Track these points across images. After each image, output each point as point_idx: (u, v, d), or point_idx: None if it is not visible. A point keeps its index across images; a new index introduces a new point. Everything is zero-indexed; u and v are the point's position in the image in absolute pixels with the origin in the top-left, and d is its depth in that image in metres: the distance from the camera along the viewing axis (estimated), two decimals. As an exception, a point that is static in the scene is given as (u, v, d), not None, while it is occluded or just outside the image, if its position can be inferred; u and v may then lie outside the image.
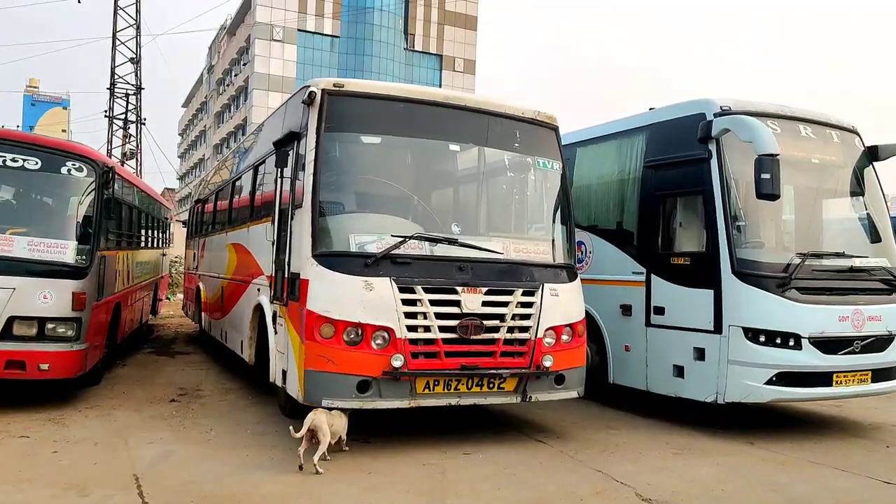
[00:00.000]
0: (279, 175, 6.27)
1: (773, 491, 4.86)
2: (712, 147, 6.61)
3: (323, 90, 5.65)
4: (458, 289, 5.59)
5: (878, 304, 6.69)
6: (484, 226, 6.33)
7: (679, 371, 6.79)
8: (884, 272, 6.92)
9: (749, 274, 6.30)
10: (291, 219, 5.92)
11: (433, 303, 5.50)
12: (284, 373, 6.00)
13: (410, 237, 5.58)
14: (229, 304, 8.90)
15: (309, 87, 5.74)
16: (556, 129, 6.63)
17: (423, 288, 5.48)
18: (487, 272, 5.79)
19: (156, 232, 13.69)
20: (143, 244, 11.61)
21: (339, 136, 5.74)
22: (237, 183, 9.27)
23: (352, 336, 5.34)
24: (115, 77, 26.58)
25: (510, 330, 5.78)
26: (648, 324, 7.14)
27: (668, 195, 7.15)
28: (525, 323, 5.85)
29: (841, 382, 6.46)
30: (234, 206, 9.34)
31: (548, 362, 5.88)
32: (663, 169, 7.20)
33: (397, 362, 5.34)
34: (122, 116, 26.95)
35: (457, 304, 5.57)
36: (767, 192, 5.89)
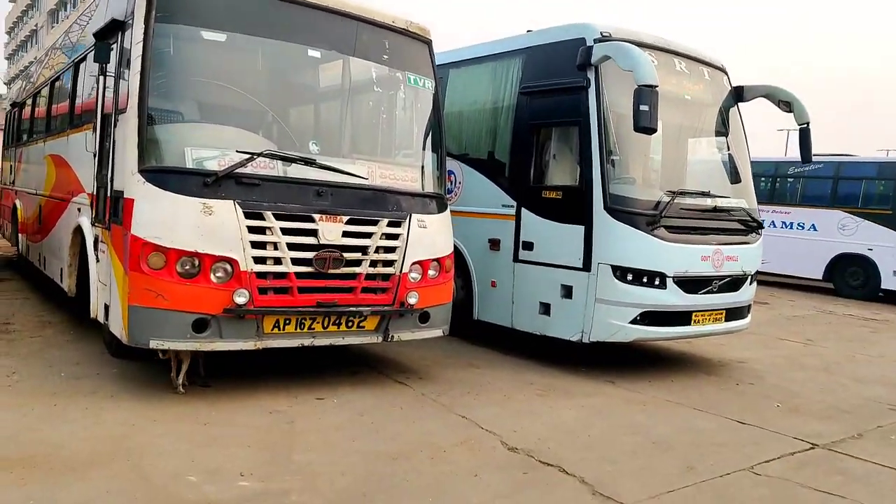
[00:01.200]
0: (101, 74, 5.21)
1: (636, 433, 4.78)
2: (591, 75, 6.27)
3: (154, -33, 4.63)
4: (315, 216, 4.94)
5: (735, 245, 6.80)
6: (347, 146, 5.65)
7: (545, 309, 6.60)
8: (742, 213, 7.02)
9: (621, 210, 6.12)
10: (115, 126, 4.94)
11: (285, 231, 4.82)
12: (107, 308, 5.13)
13: (260, 154, 4.80)
14: (48, 225, 7.66)
15: (136, -37, 4.69)
16: (429, 44, 5.99)
17: (273, 214, 4.78)
18: (349, 199, 5.17)
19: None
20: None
21: (174, 28, 4.77)
22: (56, 83, 7.87)
23: (186, 267, 4.56)
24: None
25: (373, 264, 5.24)
26: (516, 259, 6.87)
27: (543, 125, 6.80)
28: (390, 256, 5.33)
29: (699, 321, 6.55)
30: (53, 112, 7.96)
31: (412, 299, 5.42)
32: (539, 96, 6.81)
33: (241, 298, 4.66)
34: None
35: (313, 233, 4.93)
36: (645, 125, 5.64)
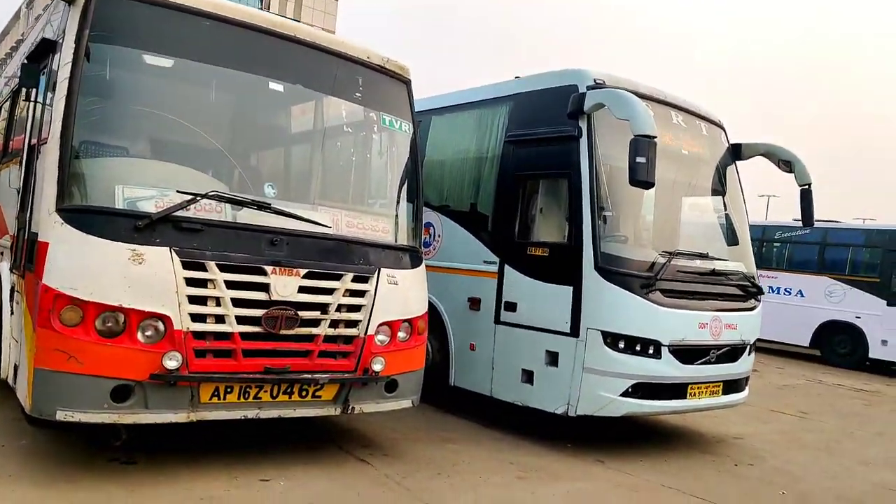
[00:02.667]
0: (27, 100, 4.58)
1: (633, 532, 4.08)
2: (583, 124, 5.78)
3: (92, -19, 4.06)
4: (268, 268, 4.28)
5: (735, 312, 6.23)
6: (309, 191, 5.03)
7: (528, 377, 5.93)
8: (741, 277, 6.49)
9: (613, 271, 5.54)
10: (37, 159, 4.29)
11: (231, 285, 4.15)
12: (17, 368, 4.37)
13: (204, 195, 4.16)
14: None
15: (73, -24, 4.13)
16: (408, 84, 5.45)
17: (217, 265, 4.11)
18: (308, 250, 4.52)
19: None
20: None
21: (112, 49, 4.17)
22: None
23: (109, 324, 3.86)
24: None
25: (334, 324, 4.57)
26: (498, 321, 6.23)
27: (530, 176, 6.26)
28: (353, 316, 4.67)
29: (695, 394, 5.92)
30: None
31: (378, 366, 4.74)
32: (526, 146, 6.30)
33: (172, 362, 3.94)
34: None
35: (264, 288, 4.27)
36: (642, 178, 5.12)
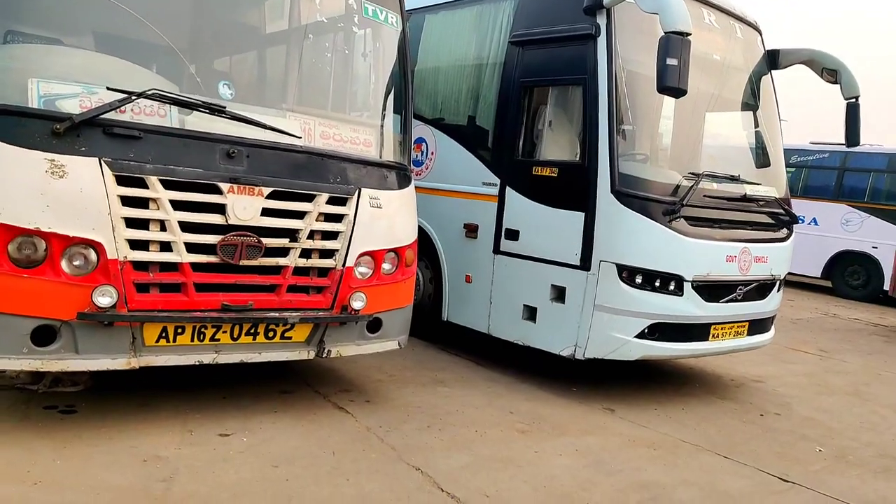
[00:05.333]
0: None
1: (653, 500, 3.50)
2: (601, 20, 4.91)
3: None
4: (223, 186, 3.55)
5: (765, 243, 5.54)
6: (275, 93, 4.25)
7: (531, 313, 5.29)
8: (774, 204, 5.76)
9: (632, 195, 4.80)
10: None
11: (178, 205, 3.43)
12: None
13: (142, 94, 3.37)
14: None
15: None
16: (395, -33, 4.56)
17: (160, 180, 3.37)
18: (274, 165, 3.76)
19: None
20: None
21: None
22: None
23: (25, 252, 3.16)
24: None
25: (305, 254, 3.87)
26: (497, 250, 5.53)
27: (537, 84, 5.43)
28: (329, 244, 3.96)
29: (718, 336, 5.29)
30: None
31: (358, 303, 4.07)
32: (533, 47, 5.43)
33: (105, 299, 3.26)
34: None
35: (220, 209, 3.55)
36: (672, 84, 4.31)
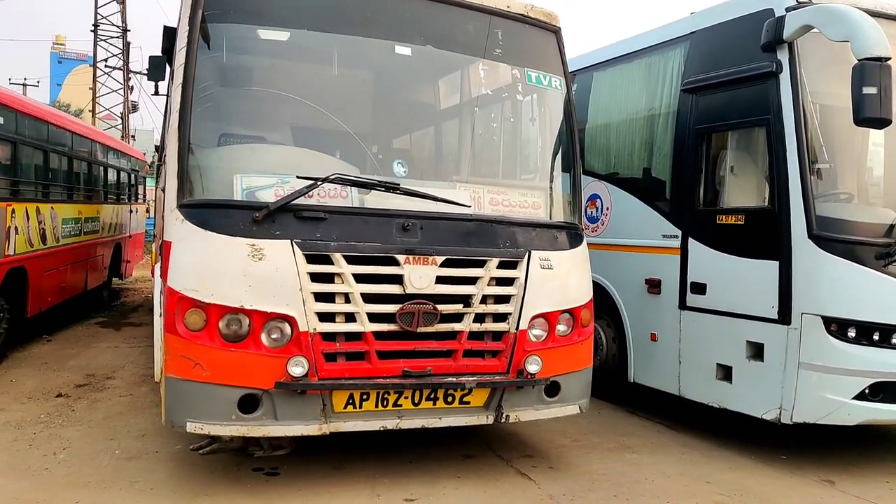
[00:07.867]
0: (158, 94, 4.46)
1: None
2: (783, 56, 4.58)
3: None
4: (400, 258, 3.74)
5: None
6: (444, 165, 4.45)
7: (725, 373, 4.89)
8: None
9: (834, 239, 4.33)
10: (165, 157, 4.12)
11: (360, 278, 3.67)
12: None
13: (325, 179, 3.71)
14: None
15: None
16: (556, 32, 4.65)
17: (343, 256, 3.65)
18: (446, 234, 3.92)
19: (117, 185, 12.19)
20: (85, 197, 9.94)
21: (225, 28, 3.84)
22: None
23: (233, 328, 3.54)
24: (99, 17, 24.22)
25: (479, 319, 3.94)
26: (683, 306, 5.22)
27: (715, 129, 5.15)
28: (502, 308, 4.00)
29: (959, 395, 4.50)
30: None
31: (533, 366, 4.03)
32: (708, 92, 5.18)
33: (297, 368, 3.55)
34: (120, 63, 24.81)
35: (398, 280, 3.74)
36: (872, 115, 3.89)
